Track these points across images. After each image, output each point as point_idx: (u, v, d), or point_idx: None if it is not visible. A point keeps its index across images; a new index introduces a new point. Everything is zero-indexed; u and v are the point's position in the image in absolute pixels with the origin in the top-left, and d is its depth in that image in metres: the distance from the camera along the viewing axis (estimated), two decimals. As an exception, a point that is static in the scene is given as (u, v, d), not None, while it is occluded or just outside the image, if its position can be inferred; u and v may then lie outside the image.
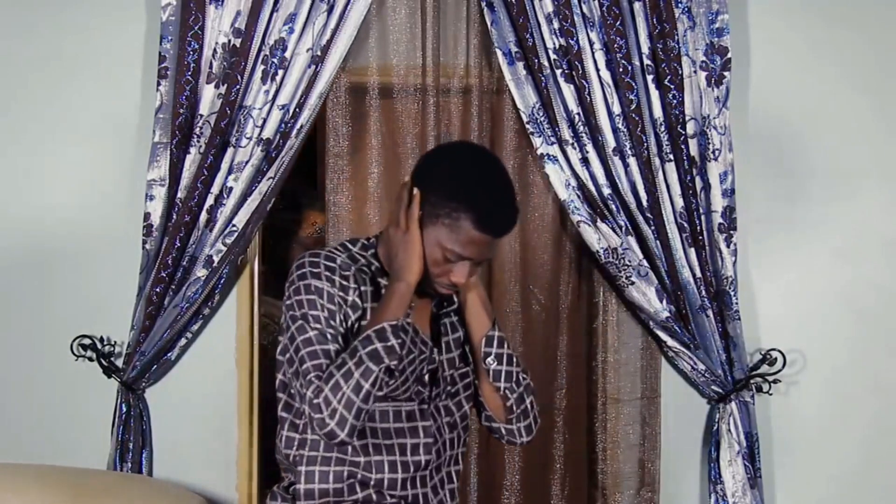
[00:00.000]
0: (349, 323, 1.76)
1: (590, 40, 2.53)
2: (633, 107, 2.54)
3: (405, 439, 1.81)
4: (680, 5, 2.55)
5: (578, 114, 2.54)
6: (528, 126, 2.57)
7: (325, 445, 1.81)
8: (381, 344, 1.68)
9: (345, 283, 1.76)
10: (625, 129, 2.54)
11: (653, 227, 2.56)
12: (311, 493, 1.80)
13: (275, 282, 2.74)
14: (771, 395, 2.68)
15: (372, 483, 1.80)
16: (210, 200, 2.50)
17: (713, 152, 2.57)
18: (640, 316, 2.64)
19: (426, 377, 1.84)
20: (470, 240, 1.70)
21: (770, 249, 2.71)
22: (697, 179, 2.57)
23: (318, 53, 2.51)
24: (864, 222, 2.73)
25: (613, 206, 2.56)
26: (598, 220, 2.55)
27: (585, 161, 2.56)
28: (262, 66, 2.50)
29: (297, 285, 1.75)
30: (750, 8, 2.69)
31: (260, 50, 2.50)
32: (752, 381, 2.63)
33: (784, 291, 2.73)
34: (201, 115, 2.50)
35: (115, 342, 2.60)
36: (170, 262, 2.48)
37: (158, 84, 2.51)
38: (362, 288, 1.79)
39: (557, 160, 2.56)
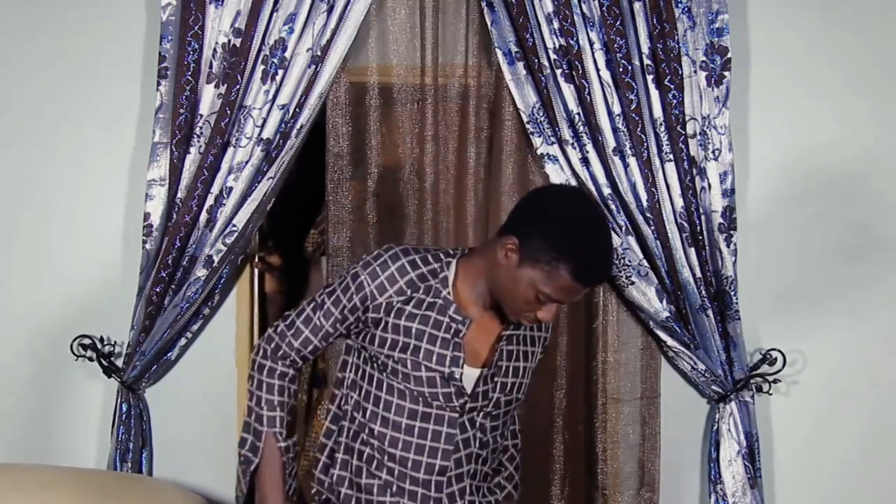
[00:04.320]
0: (362, 314, 1.88)
1: (590, 40, 2.53)
2: (633, 107, 2.54)
3: (425, 441, 1.87)
4: (680, 5, 2.55)
5: (578, 114, 2.54)
6: (528, 126, 2.57)
7: (353, 434, 1.94)
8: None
9: (387, 285, 1.85)
10: (625, 129, 2.54)
11: (653, 227, 2.56)
12: (343, 466, 1.95)
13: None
14: (771, 395, 2.68)
15: (385, 471, 1.90)
16: (210, 200, 2.50)
17: (713, 152, 2.57)
18: (640, 316, 2.64)
19: (462, 390, 1.88)
20: (565, 287, 1.77)
21: (770, 249, 2.71)
22: (697, 179, 2.57)
23: (318, 53, 2.51)
24: (863, 222, 2.73)
25: (613, 206, 2.56)
26: (598, 219, 2.55)
27: (585, 161, 2.56)
28: (262, 66, 2.50)
29: (358, 270, 1.88)
30: (750, 8, 2.69)
31: (260, 50, 2.50)
32: (752, 381, 2.63)
33: (784, 291, 2.73)
34: (201, 115, 2.50)
35: (115, 342, 2.60)
36: (170, 262, 2.48)
37: (158, 84, 2.51)
38: (395, 299, 1.86)
39: (557, 160, 2.56)
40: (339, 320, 1.89)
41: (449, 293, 1.86)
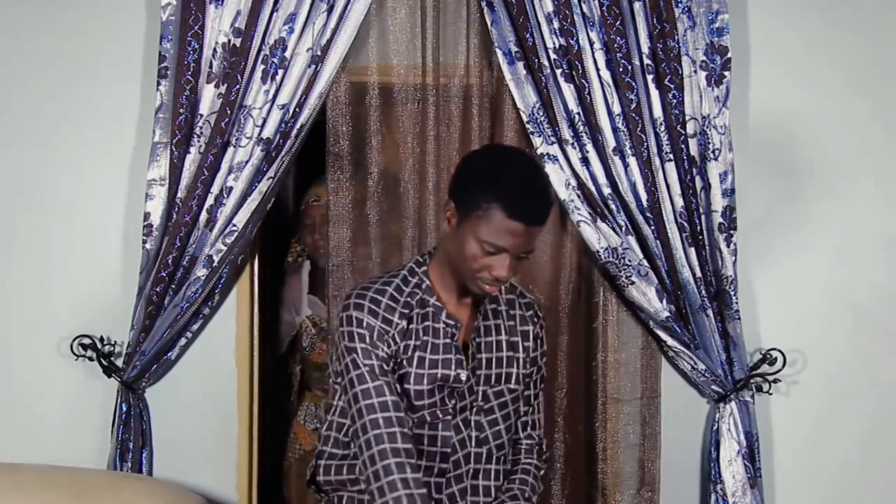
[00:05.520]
0: (391, 350, 1.86)
1: (590, 40, 2.53)
2: (633, 106, 2.54)
3: (422, 446, 1.88)
4: (680, 5, 2.55)
5: (578, 113, 2.54)
6: (528, 126, 2.57)
7: (346, 443, 1.92)
8: None
9: (389, 315, 1.86)
10: (625, 129, 2.55)
11: (653, 227, 2.56)
12: (339, 471, 1.94)
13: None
14: (771, 394, 2.68)
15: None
16: (210, 200, 2.50)
17: (713, 152, 2.57)
18: (640, 316, 2.64)
19: (453, 392, 1.88)
20: (502, 229, 1.76)
21: (770, 249, 2.72)
22: (697, 179, 2.57)
23: (318, 53, 2.51)
24: (863, 222, 2.73)
25: (613, 206, 2.56)
26: (598, 219, 2.56)
27: (585, 161, 2.56)
28: (262, 66, 2.50)
29: (346, 314, 1.86)
30: (750, 8, 2.70)
31: (260, 50, 2.50)
32: (752, 381, 2.64)
33: (784, 291, 2.73)
34: (201, 115, 2.50)
35: (115, 342, 2.60)
36: (170, 261, 2.48)
37: (158, 84, 2.51)
38: (403, 324, 1.86)
39: (557, 160, 2.56)
40: (385, 363, 1.84)
41: (437, 300, 1.89)
